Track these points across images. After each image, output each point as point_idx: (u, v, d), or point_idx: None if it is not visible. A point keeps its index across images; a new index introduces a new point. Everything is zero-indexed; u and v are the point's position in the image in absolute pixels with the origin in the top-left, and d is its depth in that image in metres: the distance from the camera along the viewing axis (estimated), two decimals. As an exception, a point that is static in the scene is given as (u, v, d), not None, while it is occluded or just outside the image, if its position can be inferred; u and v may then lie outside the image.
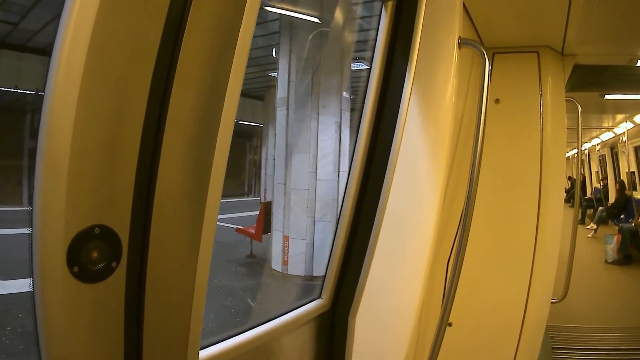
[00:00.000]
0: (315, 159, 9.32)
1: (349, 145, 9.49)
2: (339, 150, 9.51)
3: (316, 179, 9.34)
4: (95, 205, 1.04)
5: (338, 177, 9.52)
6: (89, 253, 1.04)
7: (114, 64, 1.02)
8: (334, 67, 9.43)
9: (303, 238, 9.38)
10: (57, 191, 0.96)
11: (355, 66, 12.85)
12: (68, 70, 0.94)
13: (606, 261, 9.64)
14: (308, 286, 9.01)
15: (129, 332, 1.18)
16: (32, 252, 0.99)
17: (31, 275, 1.00)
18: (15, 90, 14.91)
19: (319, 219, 9.37)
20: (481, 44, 2.37)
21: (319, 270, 8.96)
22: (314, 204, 9.36)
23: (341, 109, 9.56)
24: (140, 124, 1.11)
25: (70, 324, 1.04)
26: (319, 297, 2.28)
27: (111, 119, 1.04)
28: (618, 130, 12.45)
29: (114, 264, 1.10)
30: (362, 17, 10.45)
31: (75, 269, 1.01)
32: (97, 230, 1.05)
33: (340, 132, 9.52)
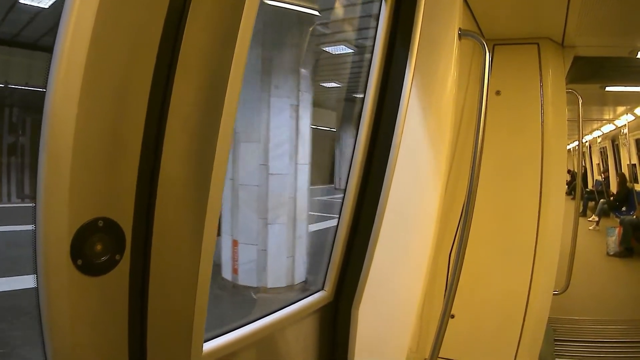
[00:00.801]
0: (266, 149, 7.77)
1: (310, 131, 8.37)
2: (296, 139, 8.03)
3: (268, 173, 7.85)
4: (98, 198, 1.05)
5: (295, 170, 8.12)
6: (93, 246, 1.04)
7: (115, 57, 1.02)
8: (291, 40, 7.95)
9: (254, 243, 7.93)
10: (61, 184, 0.97)
11: (337, 50, 11.94)
12: (70, 64, 0.94)
13: (608, 253, 9.61)
14: (258, 301, 7.71)
15: (133, 325, 1.19)
16: (35, 245, 0.99)
17: (35, 269, 1.00)
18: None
19: (273, 221, 7.93)
20: (481, 36, 2.37)
21: (275, 281, 7.94)
22: (266, 203, 7.86)
23: (299, 89, 8.01)
24: (143, 116, 1.12)
25: (75, 317, 1.05)
26: (322, 289, 2.29)
27: (113, 112, 1.05)
28: (619, 122, 12.43)
29: (117, 257, 1.11)
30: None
31: (79, 262, 1.02)
32: (100, 223, 1.05)
33: (297, 117, 8.01)
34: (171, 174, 1.17)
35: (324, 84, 16.04)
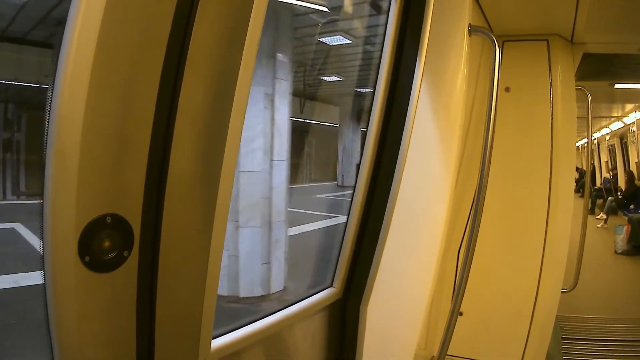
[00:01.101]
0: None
1: (289, 124, 7.43)
2: (272, 132, 7.21)
3: (238, 170, 6.85)
4: (106, 194, 1.04)
5: (270, 167, 7.27)
6: (101, 242, 1.04)
7: (123, 54, 1.02)
8: (265, 20, 6.65)
9: (225, 248, 6.54)
10: (68, 181, 0.96)
11: (334, 40, 11.28)
12: (78, 60, 0.94)
13: (616, 251, 9.58)
14: (230, 312, 6.67)
15: (141, 321, 1.19)
16: (43, 242, 0.99)
17: (42, 265, 1.00)
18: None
19: (244, 224, 7.14)
20: (491, 32, 2.36)
21: (248, 290, 7.14)
22: (237, 204, 7.04)
23: (274, 77, 7.17)
24: (151, 113, 1.11)
25: (82, 314, 1.04)
26: (331, 285, 2.29)
27: (121, 109, 1.04)
28: (627, 120, 12.39)
29: (125, 253, 1.10)
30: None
31: (87, 258, 1.01)
32: (108, 219, 1.05)
33: (273, 107, 7.19)
34: (180, 171, 1.17)
35: (324, 78, 15.63)
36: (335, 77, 15.55)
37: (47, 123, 0.95)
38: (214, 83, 1.17)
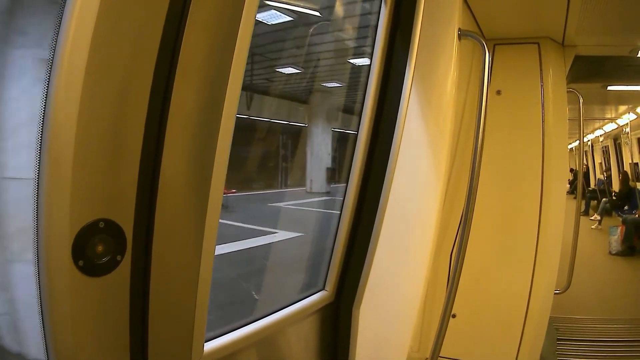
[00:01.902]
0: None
1: None
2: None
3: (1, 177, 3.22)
4: (99, 199, 1.05)
5: None
6: (94, 247, 1.05)
7: (116, 59, 1.03)
8: None
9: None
10: (62, 186, 0.97)
11: (271, 18, 8.25)
12: (71, 66, 0.95)
13: (610, 252, 9.59)
14: None
15: (134, 325, 1.20)
16: (37, 246, 1.00)
17: (37, 270, 1.01)
18: None
19: (19, 257, 2.52)
20: (481, 36, 2.38)
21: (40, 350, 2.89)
22: (3, 227, 3.05)
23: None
24: (143, 118, 1.12)
25: (76, 318, 1.05)
26: (323, 289, 2.29)
27: (114, 114, 1.05)
28: (621, 121, 12.41)
29: (118, 257, 1.12)
30: None
31: (81, 262, 1.02)
32: (101, 224, 1.06)
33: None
34: (172, 175, 1.18)
35: (280, 70, 13.27)
36: (292, 69, 13.10)
37: (40, 129, 0.96)
38: (205, 87, 1.18)
